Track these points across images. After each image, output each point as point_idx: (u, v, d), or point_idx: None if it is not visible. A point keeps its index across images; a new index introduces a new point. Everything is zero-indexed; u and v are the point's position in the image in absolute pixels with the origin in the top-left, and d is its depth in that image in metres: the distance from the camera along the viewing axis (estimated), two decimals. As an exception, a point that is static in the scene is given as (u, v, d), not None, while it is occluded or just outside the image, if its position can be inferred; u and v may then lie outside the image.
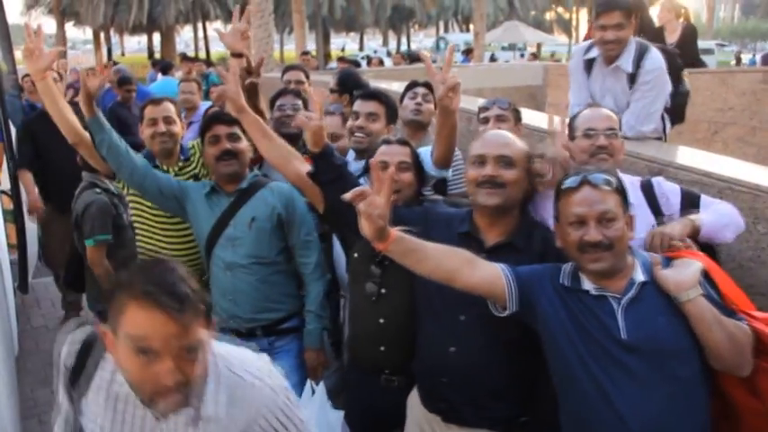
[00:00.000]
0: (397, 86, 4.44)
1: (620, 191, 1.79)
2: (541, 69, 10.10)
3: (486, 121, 2.83)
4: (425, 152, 2.46)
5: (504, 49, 31.70)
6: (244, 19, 2.89)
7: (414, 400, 2.24)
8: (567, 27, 41.32)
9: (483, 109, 2.91)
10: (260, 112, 2.76)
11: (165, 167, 2.93)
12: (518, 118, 2.93)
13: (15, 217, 4.27)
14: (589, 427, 1.71)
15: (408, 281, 2.10)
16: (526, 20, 36.73)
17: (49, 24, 31.04)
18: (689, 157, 2.78)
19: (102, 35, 32.48)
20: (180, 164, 2.99)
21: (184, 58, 12.31)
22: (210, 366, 1.39)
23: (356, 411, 2.39)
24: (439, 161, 2.43)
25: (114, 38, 37.78)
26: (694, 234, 2.00)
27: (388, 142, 2.42)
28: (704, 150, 3.11)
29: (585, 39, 5.20)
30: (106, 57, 30.94)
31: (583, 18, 35.54)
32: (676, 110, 3.47)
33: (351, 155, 3.03)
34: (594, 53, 3.20)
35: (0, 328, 3.32)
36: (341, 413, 2.35)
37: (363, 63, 12.21)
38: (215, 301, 2.59)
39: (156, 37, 35.07)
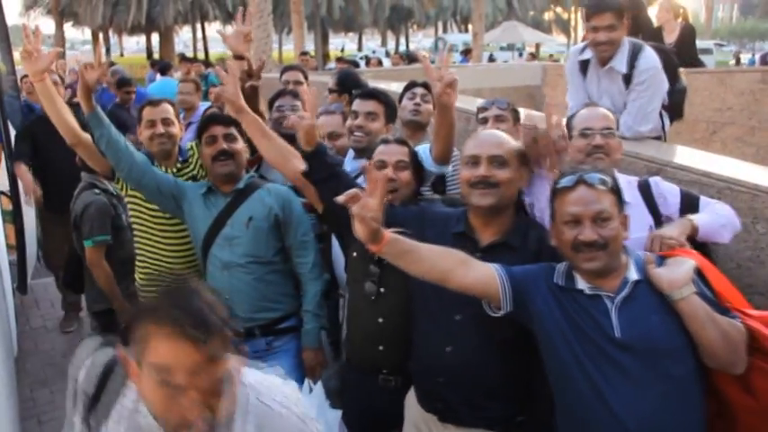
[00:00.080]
0: (395, 87, 4.42)
1: (616, 190, 1.79)
2: (540, 69, 10.12)
3: (484, 121, 2.83)
4: (424, 149, 2.47)
5: (502, 49, 31.59)
6: (246, 21, 2.90)
7: (411, 400, 2.24)
8: (565, 27, 41.34)
9: (482, 109, 2.91)
10: (259, 114, 2.76)
11: (163, 169, 2.92)
12: (517, 118, 2.93)
13: (14, 218, 4.27)
14: (585, 425, 1.72)
15: (407, 281, 2.10)
16: (525, 20, 36.70)
17: (47, 25, 31.11)
18: (688, 156, 2.78)
19: (100, 35, 32.42)
20: (178, 165, 2.99)
21: (183, 58, 12.35)
22: (239, 397, 1.33)
23: (354, 411, 2.38)
24: (438, 158, 2.44)
25: (113, 38, 37.71)
26: (692, 235, 2.01)
27: (386, 142, 2.43)
28: (703, 150, 3.11)
29: (584, 39, 5.20)
30: (104, 57, 30.81)
31: (582, 18, 35.47)
32: (674, 107, 3.47)
33: (350, 154, 3.04)
34: (588, 54, 3.19)
35: (-1, 329, 3.32)
36: (339, 412, 2.35)
37: (362, 63, 12.19)
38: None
39: (155, 37, 34.99)
